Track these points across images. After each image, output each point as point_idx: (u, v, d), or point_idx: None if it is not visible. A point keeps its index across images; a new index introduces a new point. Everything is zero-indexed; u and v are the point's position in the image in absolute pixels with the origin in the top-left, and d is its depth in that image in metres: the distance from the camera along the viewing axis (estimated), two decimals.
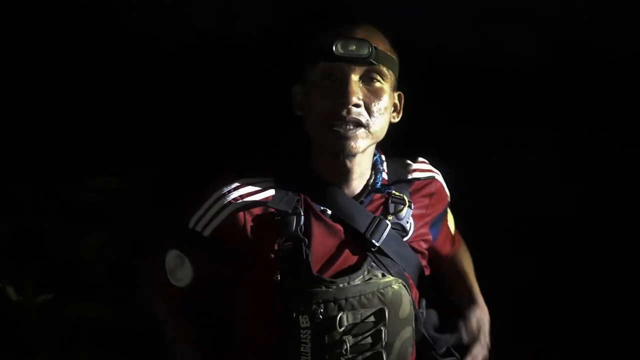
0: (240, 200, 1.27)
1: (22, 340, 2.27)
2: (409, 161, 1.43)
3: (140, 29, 3.18)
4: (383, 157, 1.39)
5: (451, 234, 1.52)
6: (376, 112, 1.26)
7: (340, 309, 1.22)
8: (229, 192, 1.28)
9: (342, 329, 1.22)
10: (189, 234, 1.30)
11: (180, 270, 1.32)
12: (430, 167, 1.45)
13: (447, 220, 1.49)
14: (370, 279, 1.26)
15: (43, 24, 3.12)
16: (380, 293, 1.25)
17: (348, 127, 1.23)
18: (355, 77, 1.24)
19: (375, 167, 1.35)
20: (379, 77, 1.27)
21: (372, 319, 1.24)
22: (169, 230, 1.37)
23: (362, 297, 1.24)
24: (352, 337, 1.23)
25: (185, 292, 1.35)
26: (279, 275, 1.25)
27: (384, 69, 1.27)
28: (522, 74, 3.15)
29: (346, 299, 1.23)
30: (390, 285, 1.26)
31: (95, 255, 2.45)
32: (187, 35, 3.17)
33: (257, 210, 1.28)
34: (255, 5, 3.13)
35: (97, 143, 2.82)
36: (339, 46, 1.23)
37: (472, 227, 1.65)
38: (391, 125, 1.32)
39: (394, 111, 1.33)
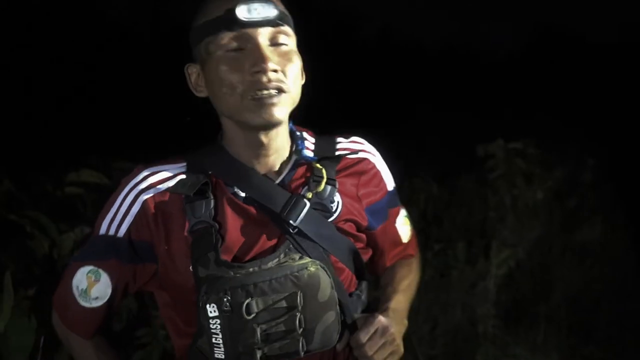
0: (151, 189, 1.21)
1: None
2: (340, 139, 1.33)
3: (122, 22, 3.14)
4: (304, 133, 1.31)
5: (399, 237, 1.40)
6: (292, 76, 1.17)
7: (249, 295, 1.14)
8: (138, 183, 1.22)
9: (251, 316, 1.14)
10: (101, 242, 1.22)
11: (96, 287, 1.23)
12: (365, 147, 1.34)
13: (395, 217, 1.38)
14: (286, 262, 1.17)
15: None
16: (294, 276, 1.15)
17: (270, 93, 1.14)
18: (264, 42, 1.15)
19: (293, 139, 1.27)
20: (286, 39, 1.17)
21: (283, 304, 1.15)
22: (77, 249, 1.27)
23: (274, 281, 1.14)
24: (265, 325, 1.15)
25: (103, 311, 1.26)
26: (191, 266, 1.18)
27: (289, 29, 1.19)
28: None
29: (255, 284, 1.14)
30: (306, 268, 1.16)
31: (74, 251, 2.40)
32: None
33: (164, 197, 1.21)
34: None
35: (78, 135, 2.77)
36: (243, 11, 1.13)
37: None
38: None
39: None
